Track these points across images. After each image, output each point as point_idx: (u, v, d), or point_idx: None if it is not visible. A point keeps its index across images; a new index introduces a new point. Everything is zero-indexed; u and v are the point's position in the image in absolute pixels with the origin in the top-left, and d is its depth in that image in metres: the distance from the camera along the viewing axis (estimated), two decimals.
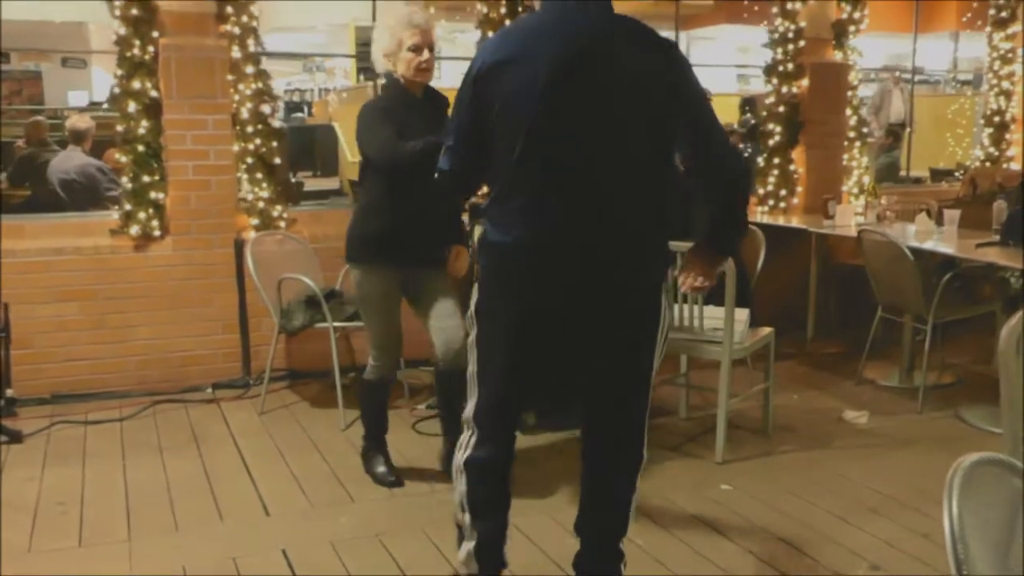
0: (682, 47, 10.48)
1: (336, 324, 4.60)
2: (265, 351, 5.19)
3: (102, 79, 13.89)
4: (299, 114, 14.44)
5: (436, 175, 2.55)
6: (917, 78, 15.19)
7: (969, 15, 11.49)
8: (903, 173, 8.31)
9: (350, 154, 11.79)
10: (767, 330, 4.40)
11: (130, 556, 3.26)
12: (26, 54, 12.62)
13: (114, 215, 5.11)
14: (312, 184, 8.64)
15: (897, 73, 11.22)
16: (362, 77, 14.63)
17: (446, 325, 3.61)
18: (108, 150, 7.50)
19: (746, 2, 12.04)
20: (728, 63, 15.59)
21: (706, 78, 12.17)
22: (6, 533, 3.41)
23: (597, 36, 2.31)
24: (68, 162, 6.48)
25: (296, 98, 15.75)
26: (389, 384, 3.91)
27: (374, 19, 6.30)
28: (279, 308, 4.74)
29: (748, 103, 10.94)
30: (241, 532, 3.45)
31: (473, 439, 2.57)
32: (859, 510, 3.62)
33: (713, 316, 4.16)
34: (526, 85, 2.28)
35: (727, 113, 10.92)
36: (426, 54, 3.39)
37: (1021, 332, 2.54)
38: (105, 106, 12.97)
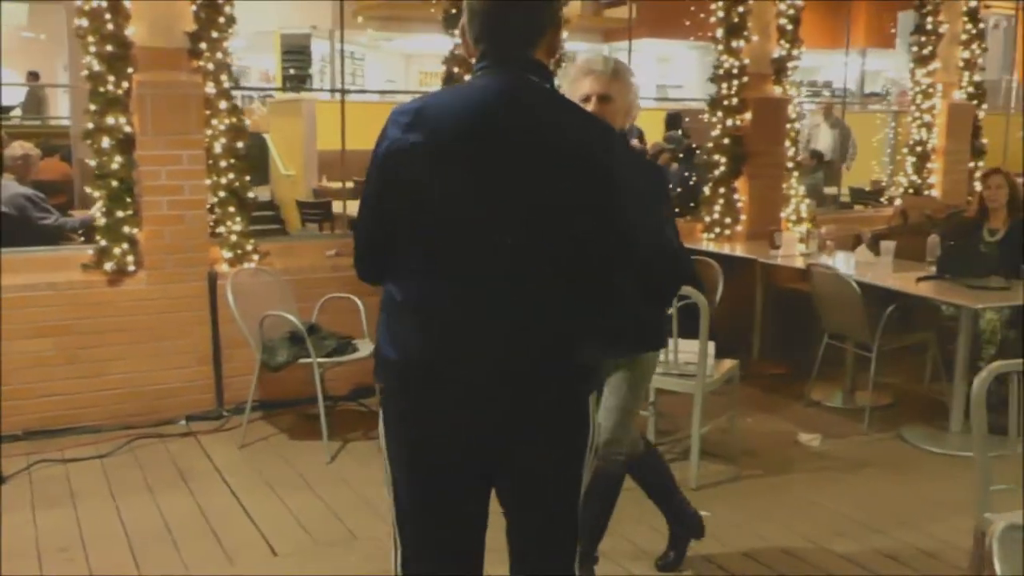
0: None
1: (321, 360, 4.72)
2: (237, 383, 5.30)
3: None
4: None
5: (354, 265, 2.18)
6: (827, 93, 15.95)
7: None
8: (826, 191, 8.82)
9: (282, 167, 11.83)
10: (732, 362, 4.70)
11: None
12: None
13: (89, 250, 5.12)
14: None
15: (822, 104, 11.70)
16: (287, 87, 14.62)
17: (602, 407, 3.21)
18: (44, 160, 7.28)
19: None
20: (649, 74, 16.08)
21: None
22: None
23: (504, 121, 1.97)
24: (3, 193, 6.22)
25: None
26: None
27: (339, 28, 6.36)
28: (260, 344, 4.83)
29: (674, 118, 11.31)
30: (253, 572, 3.56)
31: None
32: (828, 534, 3.93)
33: (684, 350, 4.43)
34: (421, 167, 1.97)
35: (652, 128, 11.28)
36: (592, 104, 2.90)
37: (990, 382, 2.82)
38: (16, 112, 12.68)
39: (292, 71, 15.03)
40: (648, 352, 3.26)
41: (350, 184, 7.70)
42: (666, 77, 17.41)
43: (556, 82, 2.19)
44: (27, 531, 3.91)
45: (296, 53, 15.44)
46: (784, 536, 3.91)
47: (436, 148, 1.97)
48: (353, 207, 7.01)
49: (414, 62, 16.96)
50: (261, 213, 8.56)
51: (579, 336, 2.04)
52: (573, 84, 2.98)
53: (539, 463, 2.08)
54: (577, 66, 3.01)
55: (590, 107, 2.89)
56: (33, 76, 13.86)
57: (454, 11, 5.81)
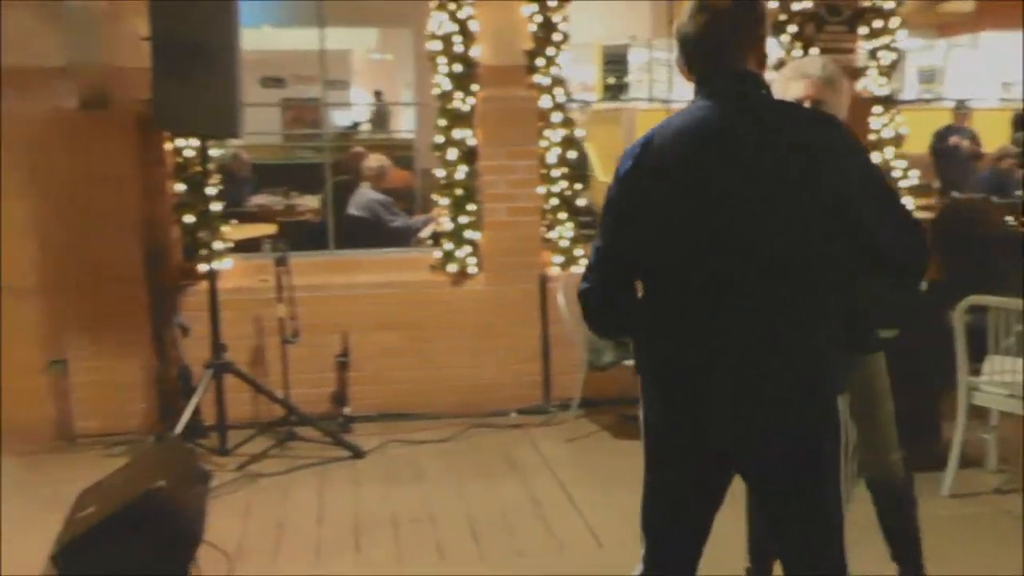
0: (940, 55, 9.91)
1: None
2: (561, 380, 5.58)
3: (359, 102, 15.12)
4: None
5: (579, 295, 2.31)
6: None
7: None
8: None
9: (601, 174, 12.19)
10: None
11: None
12: (299, 79, 13.79)
13: (434, 253, 5.63)
14: None
15: None
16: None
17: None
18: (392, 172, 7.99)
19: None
20: (991, 72, 14.76)
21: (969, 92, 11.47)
22: (376, 549, 3.90)
23: (729, 135, 2.08)
24: (360, 198, 6.96)
25: None
26: None
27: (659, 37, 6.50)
28: (587, 345, 5.06)
29: (1022, 120, 10.33)
30: (581, 562, 3.76)
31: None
32: None
33: None
34: (649, 197, 2.13)
35: (996, 130, 10.37)
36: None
37: None
38: (366, 127, 14.10)
39: (612, 80, 15.40)
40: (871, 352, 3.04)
41: None
42: (1008, 73, 15.90)
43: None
44: (384, 502, 4.38)
45: (615, 63, 15.82)
46: None
47: (661, 177, 2.12)
48: None
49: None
50: (580, 219, 8.84)
51: (814, 334, 2.10)
52: (786, 84, 2.98)
53: (779, 463, 2.14)
54: (792, 67, 3.03)
55: None
56: (377, 95, 15.28)
57: (782, 17, 5.76)
